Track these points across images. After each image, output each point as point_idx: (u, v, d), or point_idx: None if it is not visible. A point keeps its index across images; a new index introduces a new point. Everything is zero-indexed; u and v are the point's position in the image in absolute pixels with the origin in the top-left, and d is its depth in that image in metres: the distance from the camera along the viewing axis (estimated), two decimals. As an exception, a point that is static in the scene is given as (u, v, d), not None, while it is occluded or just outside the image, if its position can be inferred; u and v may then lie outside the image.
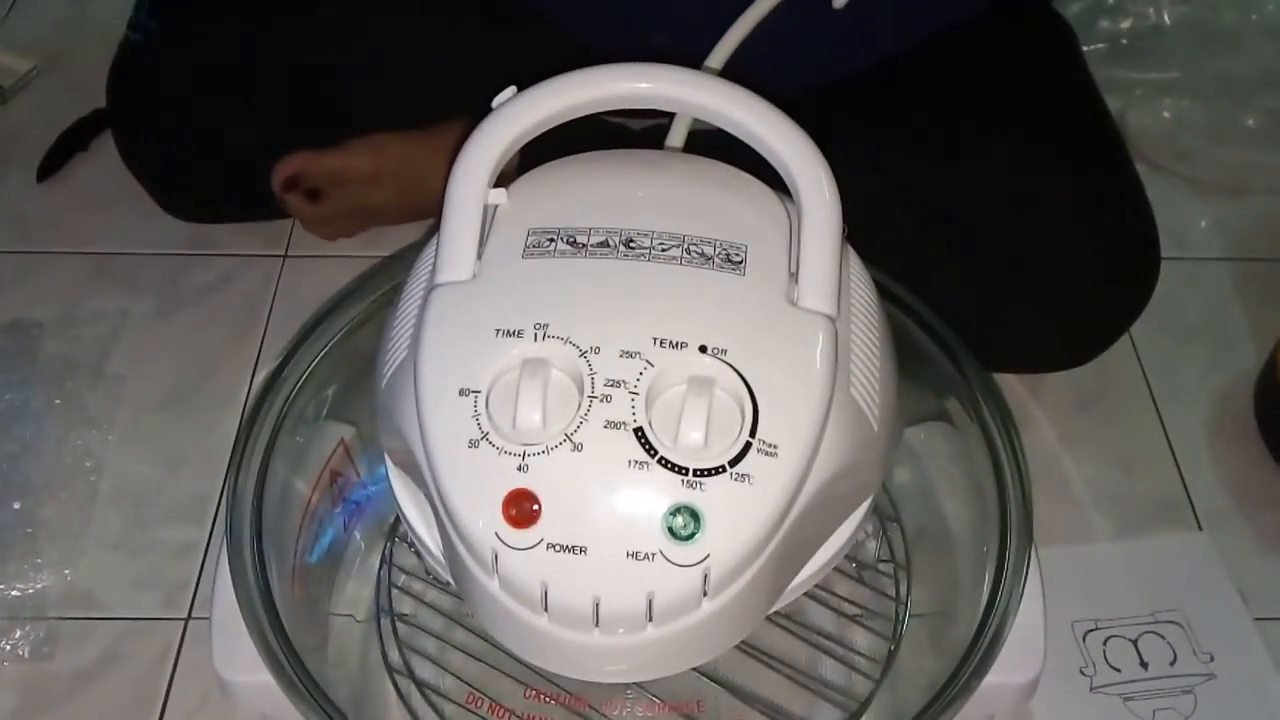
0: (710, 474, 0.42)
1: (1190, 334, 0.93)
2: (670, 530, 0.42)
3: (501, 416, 0.43)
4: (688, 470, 0.42)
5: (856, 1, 0.71)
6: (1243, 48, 1.13)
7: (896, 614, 0.66)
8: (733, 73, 0.62)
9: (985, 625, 0.54)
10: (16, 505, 0.79)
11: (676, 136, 0.58)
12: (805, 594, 0.52)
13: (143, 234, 0.98)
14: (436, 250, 0.48)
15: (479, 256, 0.47)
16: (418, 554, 0.60)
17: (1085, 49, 0.91)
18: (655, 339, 0.44)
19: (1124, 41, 1.12)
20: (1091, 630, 0.75)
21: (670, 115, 0.55)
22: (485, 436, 0.43)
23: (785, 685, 0.66)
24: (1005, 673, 0.53)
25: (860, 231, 0.51)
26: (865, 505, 0.52)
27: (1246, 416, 0.87)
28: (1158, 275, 0.82)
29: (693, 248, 0.47)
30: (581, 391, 0.43)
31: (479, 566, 0.43)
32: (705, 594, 0.43)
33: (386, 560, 0.68)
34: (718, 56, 0.63)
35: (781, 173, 0.49)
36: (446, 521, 0.44)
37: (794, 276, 0.47)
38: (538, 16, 0.89)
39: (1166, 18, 1.13)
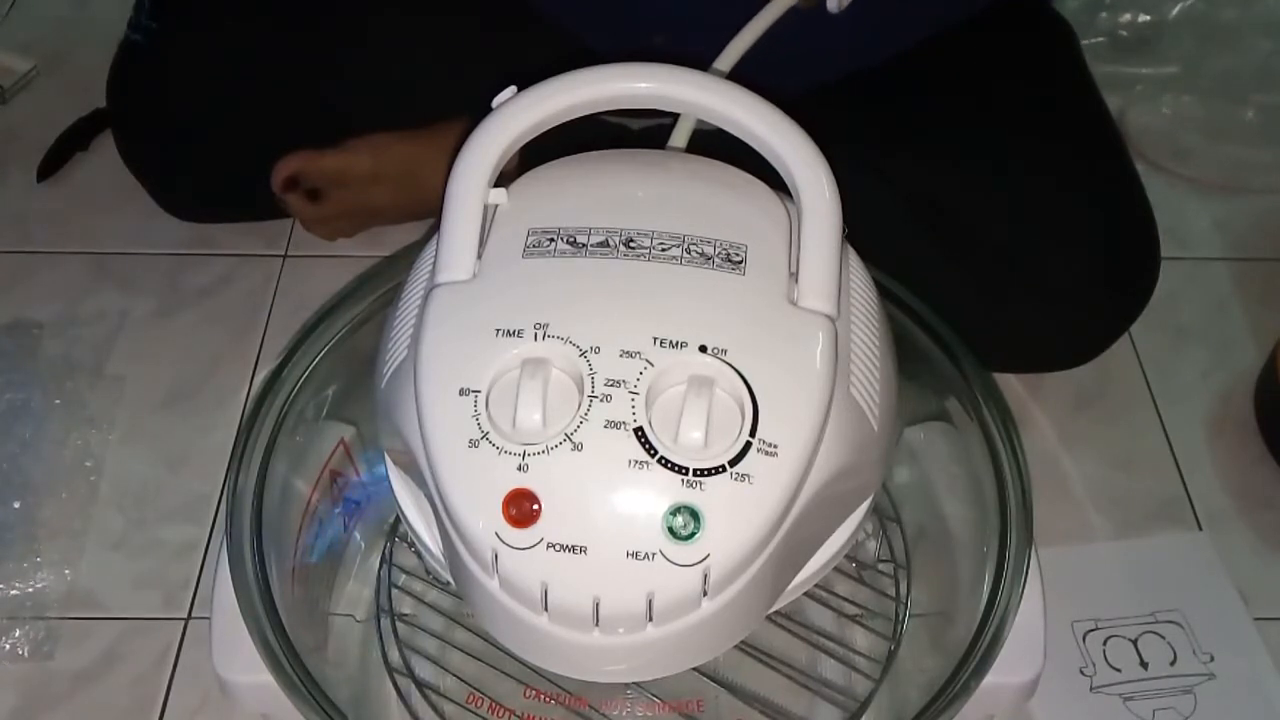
0: (710, 474, 0.42)
1: (1190, 334, 0.93)
2: (670, 530, 0.42)
3: (501, 416, 0.43)
4: (688, 470, 0.42)
5: (857, 3, 0.71)
6: (1242, 44, 1.13)
7: (896, 614, 0.66)
8: (733, 72, 0.62)
9: (985, 625, 0.54)
10: (16, 505, 0.79)
11: (680, 137, 0.58)
12: (805, 594, 0.52)
13: (143, 234, 0.98)
14: (436, 250, 0.48)
15: (479, 256, 0.47)
16: (418, 554, 0.60)
17: (1085, 44, 0.91)
18: (655, 339, 0.44)
19: (1123, 34, 1.12)
20: (1091, 630, 0.75)
21: (671, 115, 0.55)
22: (485, 436, 0.43)
23: (785, 685, 0.66)
24: (1005, 673, 0.53)
25: (860, 231, 0.51)
26: (865, 505, 0.52)
27: (1246, 416, 0.87)
28: (1158, 275, 0.82)
29: (693, 247, 0.47)
30: (581, 391, 0.43)
31: (479, 566, 0.43)
32: (705, 594, 0.43)
33: (386, 560, 0.68)
34: (725, 60, 0.63)
35: (781, 173, 0.49)
36: (446, 521, 0.44)
37: (794, 276, 0.47)
38: (538, 16, 0.89)
39: (1166, 13, 1.14)
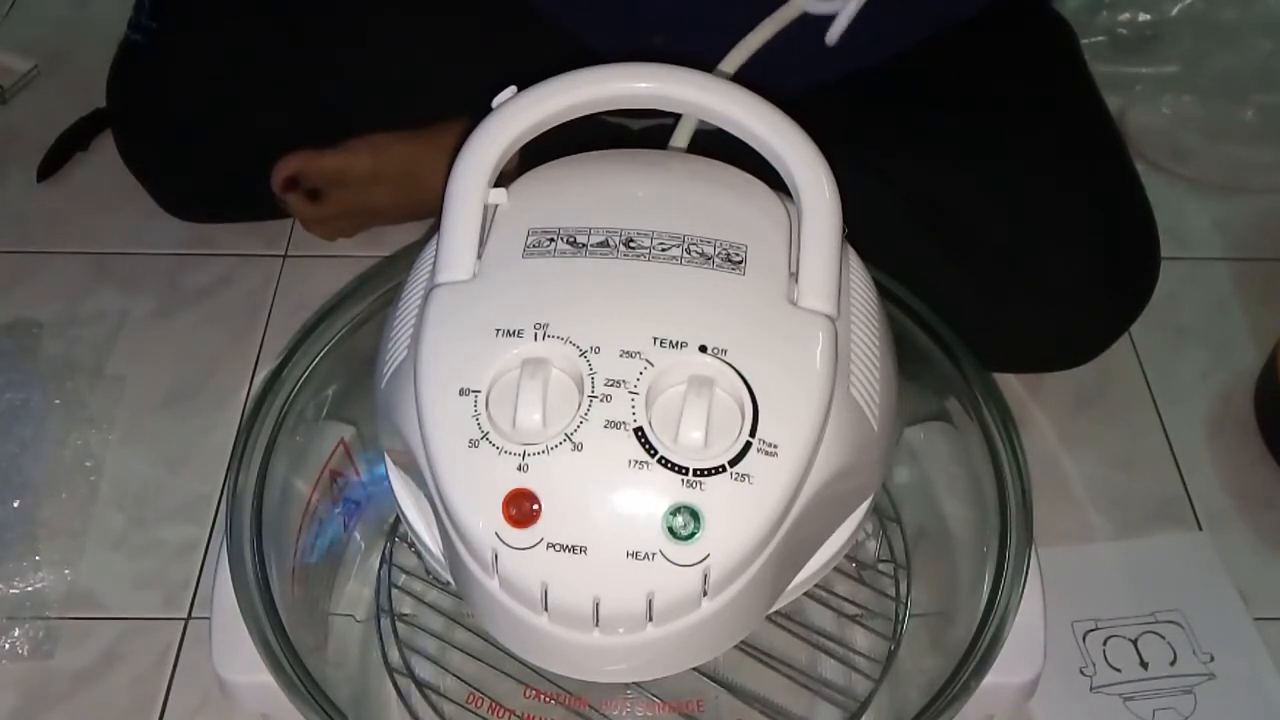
0: (710, 474, 0.42)
1: (1190, 334, 0.93)
2: (670, 530, 0.42)
3: (501, 416, 0.43)
4: (688, 470, 0.42)
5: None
6: (1242, 44, 1.13)
7: (896, 614, 0.66)
8: (734, 72, 0.62)
9: (985, 625, 0.54)
10: (16, 505, 0.79)
11: (681, 137, 0.58)
12: (805, 594, 0.52)
13: (143, 234, 0.98)
14: (436, 250, 0.48)
15: (479, 256, 0.47)
16: (418, 554, 0.60)
17: (1085, 42, 0.91)
18: (655, 339, 0.44)
19: (1123, 33, 1.12)
20: (1091, 630, 0.75)
21: (671, 115, 0.55)
22: (485, 436, 0.43)
23: (785, 685, 0.66)
24: (1005, 673, 0.53)
25: (860, 231, 0.51)
26: (865, 505, 0.52)
27: (1246, 416, 0.87)
28: (1158, 276, 0.82)
29: (693, 247, 0.47)
30: (581, 391, 0.43)
31: (479, 566, 0.43)
32: (705, 594, 0.43)
33: (386, 560, 0.68)
34: (730, 64, 0.63)
35: (781, 173, 0.49)
36: (446, 521, 0.44)
37: (794, 276, 0.47)
38: (538, 16, 0.89)
39: (1166, 13, 1.14)
